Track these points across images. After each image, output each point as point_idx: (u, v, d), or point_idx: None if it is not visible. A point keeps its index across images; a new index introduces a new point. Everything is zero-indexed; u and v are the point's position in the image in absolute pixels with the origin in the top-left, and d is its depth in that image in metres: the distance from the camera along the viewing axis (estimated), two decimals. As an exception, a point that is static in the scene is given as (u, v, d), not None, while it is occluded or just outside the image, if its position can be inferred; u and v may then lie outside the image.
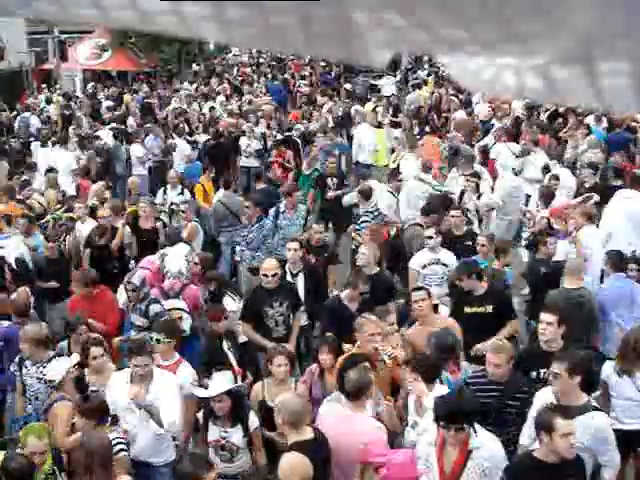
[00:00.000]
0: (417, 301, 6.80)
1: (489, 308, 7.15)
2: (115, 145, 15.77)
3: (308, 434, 4.93)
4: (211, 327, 7.17)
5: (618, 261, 7.77)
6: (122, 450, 5.30)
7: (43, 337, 6.44)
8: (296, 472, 4.57)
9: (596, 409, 5.17)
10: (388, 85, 24.59)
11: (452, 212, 9.38)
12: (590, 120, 15.46)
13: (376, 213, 10.30)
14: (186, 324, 7.59)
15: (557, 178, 11.24)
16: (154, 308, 7.46)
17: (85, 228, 10.32)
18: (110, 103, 22.46)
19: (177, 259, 8.31)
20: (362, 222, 10.13)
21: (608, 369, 6.05)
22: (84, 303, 7.97)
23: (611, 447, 5.11)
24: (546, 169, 12.01)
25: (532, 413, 5.23)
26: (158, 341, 6.38)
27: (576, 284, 7.26)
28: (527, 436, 5.26)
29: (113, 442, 5.22)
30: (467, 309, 7.24)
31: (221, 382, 5.71)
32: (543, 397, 5.24)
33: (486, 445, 4.71)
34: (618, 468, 5.27)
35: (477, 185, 10.94)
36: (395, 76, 25.81)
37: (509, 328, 7.07)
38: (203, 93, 24.70)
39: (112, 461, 4.90)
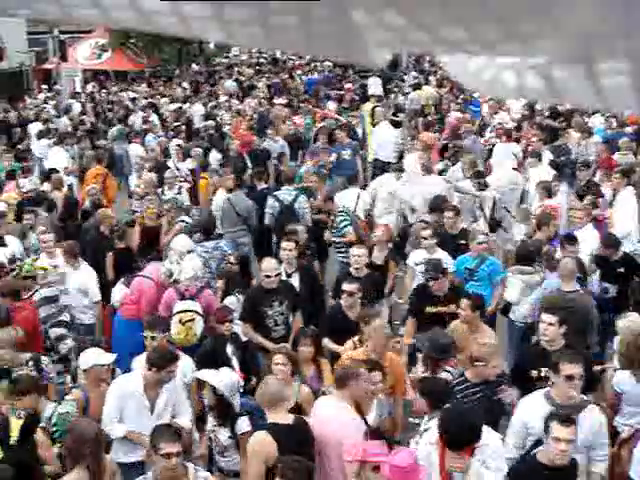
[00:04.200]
0: None
1: (452, 307, 7.15)
2: (118, 130, 15.73)
3: (287, 419, 5.08)
4: (218, 329, 7.09)
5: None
6: None
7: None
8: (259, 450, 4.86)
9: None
10: (376, 85, 24.44)
11: (445, 213, 9.37)
12: (595, 121, 15.51)
13: (346, 210, 10.19)
14: (198, 327, 7.35)
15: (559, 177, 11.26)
16: (54, 332, 7.36)
17: None
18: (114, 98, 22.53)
19: (190, 263, 8.03)
20: (342, 221, 10.02)
21: (625, 379, 5.91)
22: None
23: (607, 441, 5.17)
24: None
25: (515, 420, 5.22)
26: (153, 338, 6.44)
27: (570, 287, 7.29)
28: (512, 446, 5.20)
29: None
30: (430, 309, 7.26)
31: (217, 375, 5.62)
32: (534, 402, 5.23)
33: (488, 443, 4.71)
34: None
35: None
36: (398, 74, 25.76)
37: None
38: (205, 93, 24.72)
39: (102, 447, 4.87)
